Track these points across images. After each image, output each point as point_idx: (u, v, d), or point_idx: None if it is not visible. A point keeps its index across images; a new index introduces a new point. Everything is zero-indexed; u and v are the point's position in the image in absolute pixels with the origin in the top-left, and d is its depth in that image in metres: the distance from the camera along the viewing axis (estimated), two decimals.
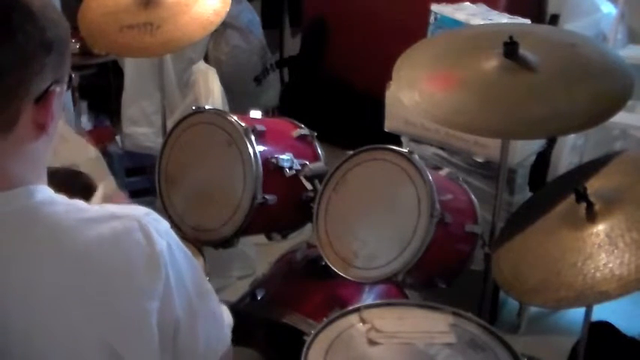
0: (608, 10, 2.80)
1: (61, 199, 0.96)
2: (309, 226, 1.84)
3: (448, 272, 1.77)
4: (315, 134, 1.95)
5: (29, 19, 0.88)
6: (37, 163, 0.96)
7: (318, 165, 1.88)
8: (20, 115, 0.90)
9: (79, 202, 0.96)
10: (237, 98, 3.08)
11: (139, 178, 3.07)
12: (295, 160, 1.81)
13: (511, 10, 2.66)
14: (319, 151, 1.93)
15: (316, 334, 1.42)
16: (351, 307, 1.53)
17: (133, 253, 0.94)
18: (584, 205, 1.39)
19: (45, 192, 0.95)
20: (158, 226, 0.97)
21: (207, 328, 1.05)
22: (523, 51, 1.59)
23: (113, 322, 0.93)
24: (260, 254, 2.62)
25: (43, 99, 0.92)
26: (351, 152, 1.73)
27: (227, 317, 1.13)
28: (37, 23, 0.89)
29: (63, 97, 0.97)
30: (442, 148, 2.39)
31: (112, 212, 0.96)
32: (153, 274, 0.94)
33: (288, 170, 1.78)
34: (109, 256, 0.92)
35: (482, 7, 2.55)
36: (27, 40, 0.88)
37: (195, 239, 1.78)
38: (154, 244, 0.95)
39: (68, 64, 0.96)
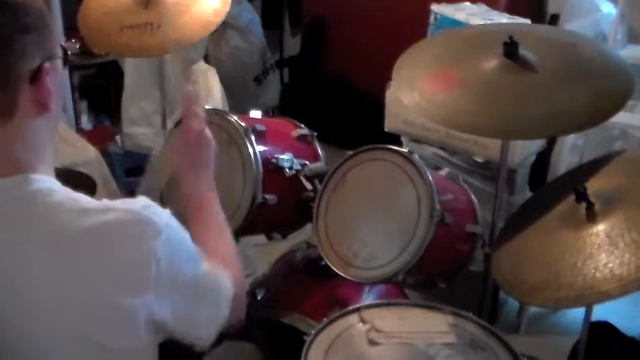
0: (608, 10, 2.80)
1: (62, 190, 0.96)
2: (309, 226, 1.84)
3: (448, 272, 1.77)
4: (315, 134, 1.95)
5: (1, 6, 0.90)
6: (41, 148, 0.97)
7: (318, 165, 1.88)
8: (18, 99, 0.92)
9: (78, 195, 0.97)
10: (237, 98, 3.09)
11: (139, 178, 3.07)
12: (295, 160, 1.81)
13: (511, 10, 2.66)
14: (319, 151, 1.92)
15: (316, 334, 1.42)
16: (351, 307, 1.52)
17: (124, 246, 0.94)
18: (584, 205, 1.39)
19: (44, 182, 0.95)
20: (155, 217, 0.98)
21: (207, 308, 1.06)
22: (523, 51, 1.59)
23: (98, 313, 0.93)
24: (260, 254, 2.62)
25: (37, 78, 0.93)
26: (351, 152, 1.73)
27: (222, 280, 1.11)
28: (10, 8, 0.91)
29: (60, 72, 0.98)
30: (442, 148, 2.39)
31: (107, 205, 0.97)
32: (142, 269, 0.94)
33: (288, 170, 1.78)
34: (99, 247, 0.93)
35: (483, 7, 2.55)
36: (5, 25, 0.90)
37: None
38: (146, 240, 0.95)
39: (53, 40, 0.98)
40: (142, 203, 0.98)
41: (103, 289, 0.93)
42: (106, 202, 0.98)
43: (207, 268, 1.08)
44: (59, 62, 0.98)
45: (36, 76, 0.93)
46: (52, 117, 0.97)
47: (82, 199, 0.97)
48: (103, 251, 0.93)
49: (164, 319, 0.98)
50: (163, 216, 0.99)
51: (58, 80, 0.98)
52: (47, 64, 0.95)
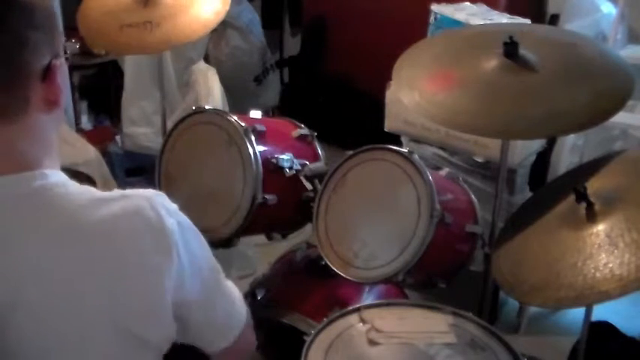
0: (608, 10, 2.80)
1: (73, 182, 0.98)
2: (309, 226, 1.84)
3: (448, 272, 1.77)
4: (315, 134, 1.95)
5: (16, 6, 0.91)
6: (50, 145, 0.99)
7: (318, 165, 1.88)
8: (31, 97, 0.93)
9: (90, 187, 0.99)
10: (237, 98, 3.09)
11: (139, 178, 3.08)
12: (295, 160, 1.81)
13: (511, 10, 2.66)
14: (319, 151, 1.93)
15: (316, 334, 1.42)
16: (351, 307, 1.52)
17: (143, 231, 0.95)
18: (584, 205, 1.39)
19: (58, 176, 0.97)
20: (168, 205, 0.99)
21: (224, 306, 1.08)
22: (523, 51, 1.59)
23: (126, 300, 0.94)
24: (260, 254, 2.62)
25: (48, 75, 0.94)
26: (351, 152, 1.73)
27: (236, 291, 1.14)
28: (24, 8, 0.92)
29: (65, 69, 1.00)
30: (442, 148, 2.39)
31: (122, 193, 0.99)
32: (163, 252, 0.95)
33: (288, 170, 1.78)
34: (120, 233, 0.94)
35: (483, 7, 2.55)
36: (19, 25, 0.91)
37: None
38: (163, 222, 0.96)
39: (61, 37, 0.99)
40: (153, 191, 1.00)
41: (128, 275, 0.94)
42: (119, 191, 0.99)
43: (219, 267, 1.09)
44: (63, 59, 1.00)
45: (47, 73, 0.94)
46: (59, 113, 0.99)
47: (95, 190, 0.98)
48: (126, 237, 0.94)
49: (191, 297, 0.99)
50: (173, 204, 1.01)
51: (65, 76, 1.00)
52: (56, 61, 0.96)
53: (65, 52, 1.01)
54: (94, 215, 0.93)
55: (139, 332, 0.95)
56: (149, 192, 0.99)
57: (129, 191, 1.00)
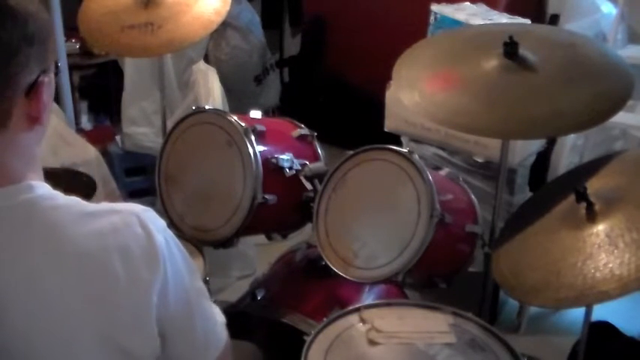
0: (608, 10, 2.80)
1: (61, 195, 0.96)
2: (309, 226, 1.84)
3: (448, 272, 1.77)
4: (315, 134, 1.95)
5: (8, 15, 0.89)
6: (33, 159, 0.97)
7: (318, 165, 1.88)
8: (13, 110, 0.91)
9: (78, 199, 0.97)
10: (237, 98, 3.08)
11: (139, 178, 3.07)
12: (295, 160, 1.81)
13: (511, 10, 2.66)
14: (319, 151, 1.93)
15: (316, 334, 1.42)
16: (351, 307, 1.53)
17: (133, 246, 0.94)
18: (584, 205, 1.39)
19: (44, 188, 0.95)
20: (156, 222, 0.98)
21: (203, 325, 1.06)
22: (523, 51, 1.59)
23: (114, 314, 0.93)
24: (260, 254, 2.62)
25: (34, 91, 0.92)
26: (351, 152, 1.73)
27: (220, 316, 1.12)
28: (17, 18, 0.89)
29: (53, 85, 0.98)
30: (442, 148, 2.39)
31: (111, 207, 0.98)
32: (152, 267, 0.95)
33: (288, 170, 1.78)
34: (108, 248, 0.93)
35: (482, 7, 2.55)
36: (10, 35, 0.89)
37: (195, 239, 1.78)
38: (152, 238, 0.95)
39: (54, 53, 0.97)
40: (142, 207, 0.99)
41: (116, 290, 0.93)
42: (106, 204, 0.98)
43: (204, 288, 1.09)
44: (52, 75, 0.98)
45: (32, 89, 0.92)
46: (41, 130, 0.97)
47: (83, 202, 0.97)
48: (114, 252, 0.93)
49: (173, 314, 0.99)
50: (161, 221, 1.00)
51: (51, 93, 0.97)
52: (44, 78, 0.94)
53: (56, 67, 0.99)
54: (83, 230, 0.92)
55: (127, 345, 0.94)
56: (138, 207, 0.98)
57: (118, 205, 0.99)
